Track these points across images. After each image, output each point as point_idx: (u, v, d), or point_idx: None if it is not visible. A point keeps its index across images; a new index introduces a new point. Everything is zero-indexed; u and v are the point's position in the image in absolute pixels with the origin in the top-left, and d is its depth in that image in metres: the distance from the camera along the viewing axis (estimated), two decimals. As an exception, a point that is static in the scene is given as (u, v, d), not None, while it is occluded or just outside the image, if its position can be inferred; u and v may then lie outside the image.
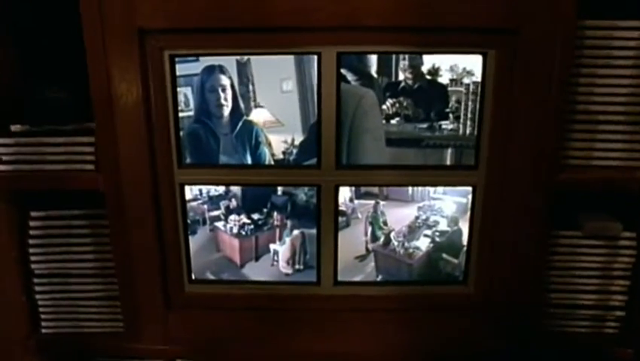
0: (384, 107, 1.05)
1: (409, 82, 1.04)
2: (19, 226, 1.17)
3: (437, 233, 1.14)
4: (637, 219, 1.15)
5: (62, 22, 1.07)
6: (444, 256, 1.15)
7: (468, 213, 1.12)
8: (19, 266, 1.18)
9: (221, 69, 1.04)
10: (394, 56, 1.03)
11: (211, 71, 1.04)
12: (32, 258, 1.18)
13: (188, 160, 1.09)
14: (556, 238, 1.15)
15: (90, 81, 1.01)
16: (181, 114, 1.06)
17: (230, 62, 1.04)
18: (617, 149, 1.08)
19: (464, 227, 1.13)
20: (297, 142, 1.08)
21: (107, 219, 1.12)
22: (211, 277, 1.18)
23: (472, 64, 1.03)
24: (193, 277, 1.17)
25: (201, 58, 1.04)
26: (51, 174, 1.09)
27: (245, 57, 1.03)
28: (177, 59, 1.03)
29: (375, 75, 1.04)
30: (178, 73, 1.04)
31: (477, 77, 1.03)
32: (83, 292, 1.20)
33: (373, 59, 1.03)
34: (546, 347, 1.20)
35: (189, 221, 1.13)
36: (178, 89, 1.05)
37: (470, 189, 1.10)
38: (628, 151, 1.08)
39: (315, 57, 1.02)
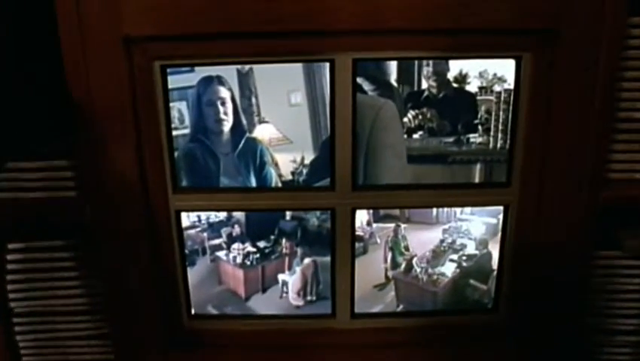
0: (405, 119, 0.95)
1: (434, 91, 0.94)
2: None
3: (464, 257, 1.04)
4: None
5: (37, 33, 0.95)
6: (472, 282, 1.06)
7: (499, 235, 1.02)
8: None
9: (220, 80, 0.93)
10: (416, 63, 0.92)
11: (208, 82, 0.93)
12: (11, 295, 1.06)
13: (184, 184, 0.98)
14: (594, 258, 1.05)
15: (71, 99, 0.89)
16: (175, 132, 0.95)
17: (229, 72, 0.93)
18: (664, 160, 0.99)
19: (494, 250, 1.04)
20: (307, 161, 0.98)
21: (94, 251, 1.01)
22: (214, 311, 1.08)
23: (504, 69, 0.93)
24: (193, 312, 1.07)
25: (197, 68, 0.93)
26: (28, 203, 0.97)
27: (247, 66, 0.92)
28: (169, 70, 0.92)
29: (395, 84, 0.94)
30: (170, 86, 0.92)
31: (510, 84, 0.93)
32: (70, 330, 1.09)
33: (393, 65, 0.93)
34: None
35: (187, 251, 1.03)
36: (171, 104, 0.94)
37: (501, 208, 1.00)
38: (676, 163, 0.99)
39: (328, 65, 0.91)
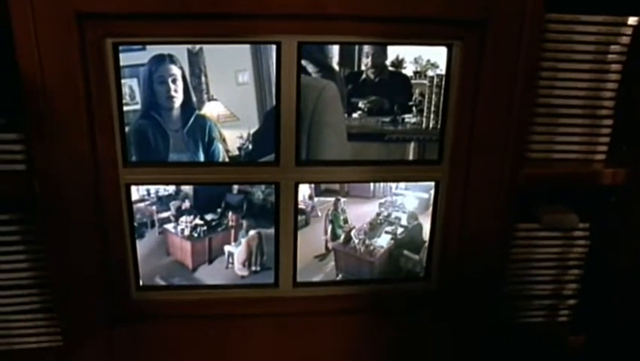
0: (345, 99, 1.00)
1: (372, 74, 1.00)
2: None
3: (399, 229, 1.11)
4: (591, 210, 1.17)
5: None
6: (405, 252, 1.13)
7: (430, 209, 1.09)
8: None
9: (171, 59, 0.95)
10: (356, 47, 0.98)
11: (160, 60, 0.95)
12: (-46, 269, 1.05)
13: (134, 159, 1.00)
14: (514, 230, 1.15)
15: (20, 73, 0.89)
16: (125, 108, 0.96)
17: (180, 51, 0.95)
18: (576, 142, 1.09)
19: (426, 223, 1.11)
20: (253, 137, 1.01)
21: (41, 224, 1.01)
22: (161, 282, 1.10)
23: (437, 56, 0.99)
24: (141, 283, 1.09)
25: (148, 46, 0.94)
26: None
27: (198, 46, 0.95)
28: (121, 48, 0.93)
29: (336, 67, 0.99)
30: (122, 63, 0.94)
31: (442, 69, 1.00)
32: (15, 305, 1.08)
33: (335, 49, 0.98)
34: (503, 337, 1.20)
35: (136, 224, 1.04)
36: (123, 81, 0.95)
37: (432, 184, 1.07)
38: (586, 144, 1.09)
39: (274, 47, 0.95)
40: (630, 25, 1.03)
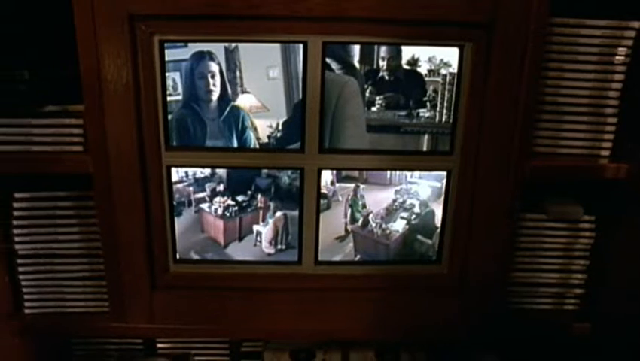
0: (365, 94, 1.10)
1: (390, 72, 1.09)
2: (3, 208, 1.18)
3: (413, 215, 1.20)
4: (596, 203, 1.24)
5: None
6: (419, 237, 1.21)
7: (442, 197, 1.18)
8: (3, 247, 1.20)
9: (210, 56, 1.07)
10: (376, 47, 1.08)
11: (200, 57, 1.07)
12: (16, 239, 1.18)
13: (175, 143, 1.11)
14: (522, 220, 1.22)
15: (81, 66, 1.03)
16: (169, 98, 1.08)
17: (218, 48, 1.07)
18: (581, 138, 1.16)
19: (438, 210, 1.19)
20: (281, 127, 1.11)
21: (93, 201, 1.14)
22: (196, 257, 1.21)
23: (449, 56, 1.08)
24: (178, 257, 1.20)
25: (190, 44, 1.06)
26: (38, 156, 1.10)
27: (234, 44, 1.06)
28: (166, 45, 1.05)
29: (357, 64, 1.09)
30: (167, 58, 1.06)
31: (454, 68, 1.09)
32: (68, 272, 1.21)
33: (356, 48, 1.08)
34: (510, 323, 1.27)
35: (175, 203, 1.16)
36: (167, 74, 1.07)
37: (444, 173, 1.16)
38: (590, 140, 1.16)
39: (301, 46, 1.06)
40: (634, 29, 1.10)
